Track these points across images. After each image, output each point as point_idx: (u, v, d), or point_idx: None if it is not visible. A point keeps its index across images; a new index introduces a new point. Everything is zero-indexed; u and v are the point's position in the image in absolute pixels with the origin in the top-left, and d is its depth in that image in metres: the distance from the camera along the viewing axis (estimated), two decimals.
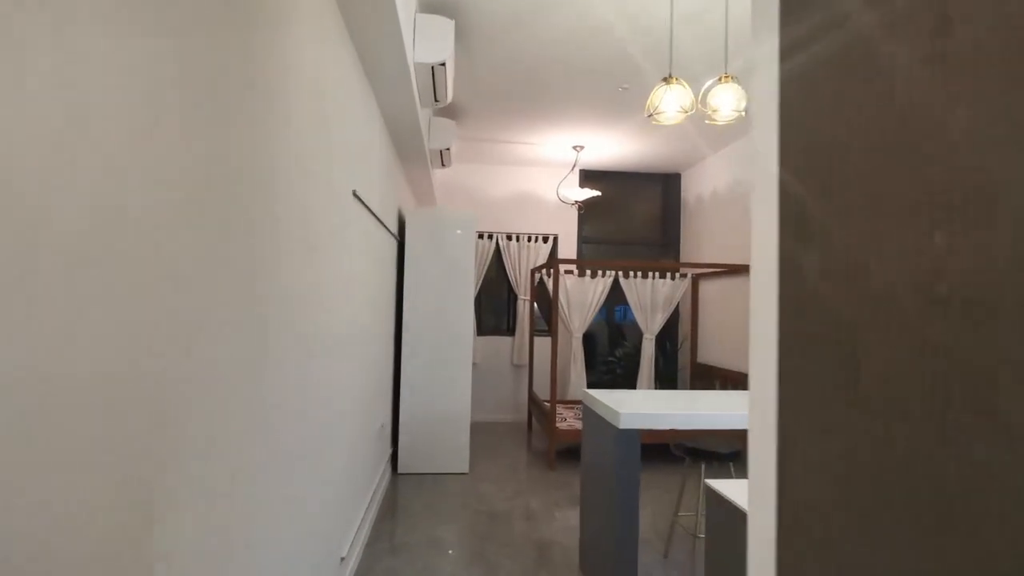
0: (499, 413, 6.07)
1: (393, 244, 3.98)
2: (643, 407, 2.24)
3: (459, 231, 4.23)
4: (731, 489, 1.52)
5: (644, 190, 6.47)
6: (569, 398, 5.65)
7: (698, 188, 5.93)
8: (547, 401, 5.44)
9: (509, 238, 6.12)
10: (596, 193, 5.31)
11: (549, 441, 4.42)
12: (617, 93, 4.03)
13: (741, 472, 3.46)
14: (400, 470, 4.15)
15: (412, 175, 4.55)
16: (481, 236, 6.07)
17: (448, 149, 4.40)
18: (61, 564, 0.66)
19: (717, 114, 2.39)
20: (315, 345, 1.82)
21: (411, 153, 3.93)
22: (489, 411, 6.06)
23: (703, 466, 2.71)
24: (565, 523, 3.31)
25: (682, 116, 2.33)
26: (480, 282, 5.97)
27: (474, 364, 6.02)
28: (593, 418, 2.49)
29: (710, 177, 5.68)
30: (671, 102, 2.32)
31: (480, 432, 5.54)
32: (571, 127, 4.80)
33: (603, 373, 6.26)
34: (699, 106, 2.37)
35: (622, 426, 2.14)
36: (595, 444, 2.46)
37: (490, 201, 6.16)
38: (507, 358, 6.10)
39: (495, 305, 6.27)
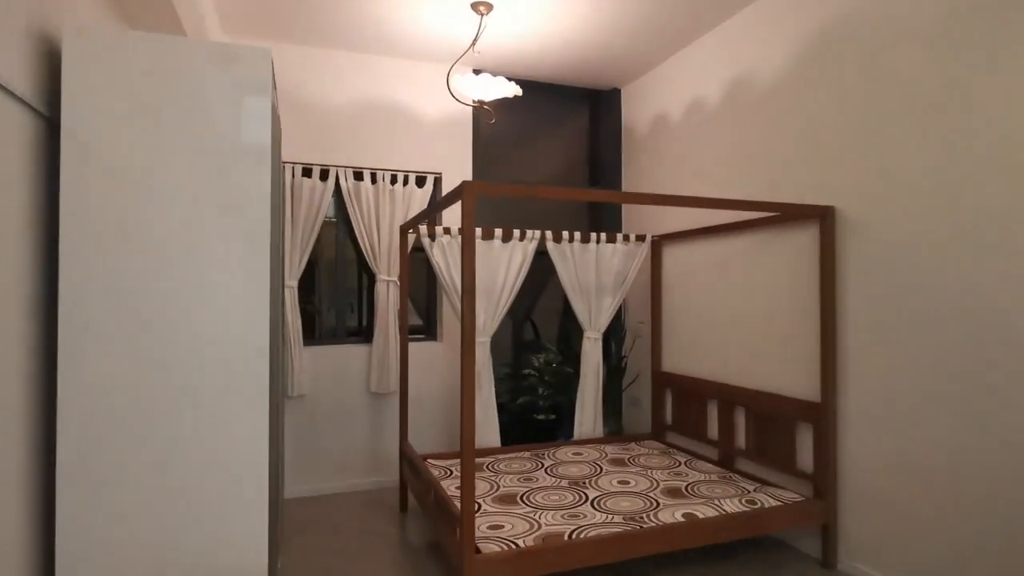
0: (345, 478, 3.58)
1: (25, 125, 1.35)
2: None
3: (243, 95, 1.70)
4: None
5: (565, 114, 4.32)
6: (482, 447, 3.31)
7: (649, 111, 3.90)
8: (437, 463, 3.07)
9: (359, 177, 3.62)
10: (515, 89, 3.03)
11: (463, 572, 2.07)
12: None
13: None
14: None
15: None
16: (308, 173, 3.50)
17: None
18: None
19: None
20: None
21: None
22: (326, 476, 3.54)
23: None
24: None
25: None
26: (309, 249, 3.41)
27: (300, 396, 3.46)
28: None
29: (659, 96, 3.67)
30: None
31: (303, 511, 3.02)
32: None
33: (510, 397, 4.00)
34: None
35: None
36: None
37: (322, 114, 3.58)
38: (361, 381, 3.62)
39: (338, 292, 3.75)
